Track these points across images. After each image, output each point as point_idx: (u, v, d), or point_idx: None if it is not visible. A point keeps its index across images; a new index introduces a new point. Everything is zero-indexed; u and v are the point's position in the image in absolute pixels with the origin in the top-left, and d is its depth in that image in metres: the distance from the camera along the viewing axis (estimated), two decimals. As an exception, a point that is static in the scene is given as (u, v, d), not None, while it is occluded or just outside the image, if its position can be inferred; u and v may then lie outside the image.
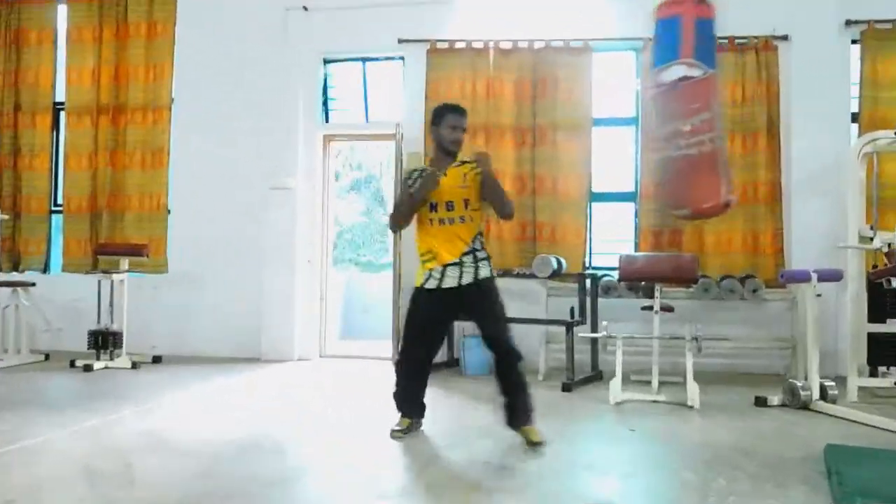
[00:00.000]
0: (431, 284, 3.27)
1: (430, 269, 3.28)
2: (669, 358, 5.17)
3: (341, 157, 12.09)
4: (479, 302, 3.27)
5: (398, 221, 3.41)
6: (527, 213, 5.82)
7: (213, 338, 6.20)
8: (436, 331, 3.45)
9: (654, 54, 3.00)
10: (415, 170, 3.43)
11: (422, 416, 3.52)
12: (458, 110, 3.36)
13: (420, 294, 3.32)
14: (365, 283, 9.19)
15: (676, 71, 2.96)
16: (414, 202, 3.29)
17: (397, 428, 3.44)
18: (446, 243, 3.27)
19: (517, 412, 3.28)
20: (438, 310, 3.32)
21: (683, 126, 2.91)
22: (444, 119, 3.32)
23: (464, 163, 3.37)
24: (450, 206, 3.27)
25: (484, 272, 3.28)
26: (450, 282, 3.24)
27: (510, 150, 5.85)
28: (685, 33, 2.98)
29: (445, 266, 3.25)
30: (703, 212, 3.10)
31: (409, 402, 3.48)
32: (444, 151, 3.36)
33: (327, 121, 6.50)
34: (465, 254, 3.27)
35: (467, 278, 3.25)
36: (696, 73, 2.96)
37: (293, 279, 6.12)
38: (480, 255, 3.31)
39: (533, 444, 3.20)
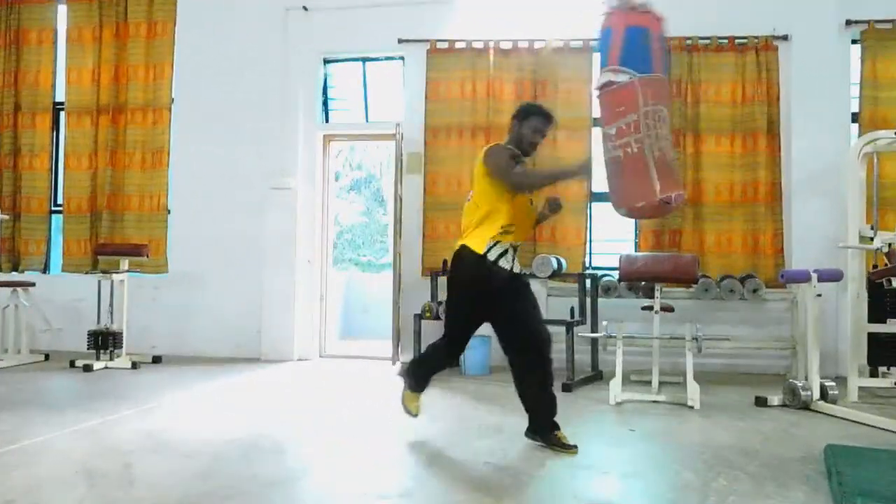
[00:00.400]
0: (516, 269, 3.22)
1: (508, 245, 3.17)
2: (669, 358, 5.18)
3: (341, 157, 12.10)
4: (525, 293, 3.25)
5: (526, 189, 3.26)
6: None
7: (213, 338, 6.21)
8: (482, 317, 3.31)
9: (600, 63, 3.20)
10: (509, 148, 3.30)
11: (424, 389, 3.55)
12: (548, 117, 3.30)
13: (489, 271, 3.13)
14: (365, 283, 9.19)
15: (605, 77, 3.11)
16: (553, 181, 3.38)
17: (416, 405, 3.47)
18: (523, 226, 3.28)
19: (551, 411, 3.25)
20: (495, 289, 3.16)
21: (611, 129, 3.04)
22: (531, 119, 3.26)
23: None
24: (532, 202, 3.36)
25: (521, 267, 3.33)
26: (507, 263, 3.18)
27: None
28: (613, 42, 3.15)
29: (511, 245, 3.19)
30: (637, 210, 3.21)
31: (427, 382, 3.48)
32: (520, 150, 3.29)
33: (327, 121, 6.50)
34: (518, 246, 3.29)
35: (517, 267, 3.25)
36: (621, 78, 3.10)
37: (293, 279, 6.12)
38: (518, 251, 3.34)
39: (571, 448, 3.15)
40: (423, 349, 5.46)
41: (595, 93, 3.28)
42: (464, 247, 3.18)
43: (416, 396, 3.48)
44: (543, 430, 3.25)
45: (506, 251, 3.16)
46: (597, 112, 5.76)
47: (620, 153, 3.07)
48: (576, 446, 3.17)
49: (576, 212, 5.77)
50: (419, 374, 3.47)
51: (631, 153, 3.06)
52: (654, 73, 3.14)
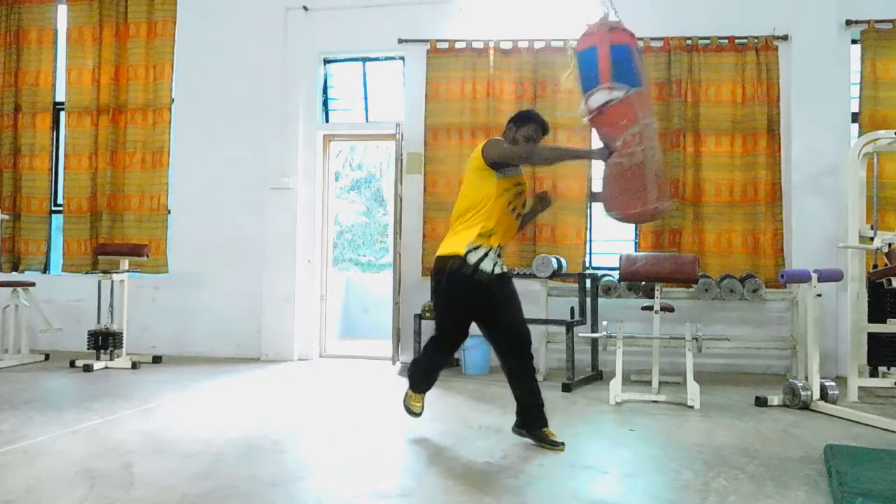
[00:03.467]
0: (499, 270, 3.23)
1: (489, 248, 3.19)
2: (669, 358, 5.19)
3: (341, 157, 12.09)
4: (506, 294, 3.26)
5: (552, 157, 3.43)
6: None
7: (213, 338, 6.21)
8: (469, 319, 3.35)
9: (581, 85, 3.25)
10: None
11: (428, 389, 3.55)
12: (543, 126, 3.34)
13: (484, 278, 3.17)
14: (365, 283, 9.20)
15: (599, 97, 3.18)
16: (574, 156, 3.56)
17: (418, 405, 3.48)
18: (504, 232, 3.27)
19: (538, 409, 3.27)
20: (493, 296, 3.22)
21: (617, 142, 3.13)
22: (527, 126, 3.29)
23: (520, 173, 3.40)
24: (519, 196, 3.30)
25: (504, 269, 3.31)
26: (487, 265, 3.20)
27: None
28: (601, 61, 3.24)
29: (490, 249, 3.21)
30: (630, 216, 3.31)
31: (429, 382, 3.48)
32: None
33: (327, 121, 6.50)
34: (502, 246, 3.31)
35: (498, 269, 3.24)
36: (618, 94, 3.19)
37: (293, 279, 6.12)
38: (501, 252, 3.34)
39: (558, 444, 3.20)
40: (421, 350, 5.51)
41: (584, 113, 3.32)
42: (446, 250, 3.25)
43: (418, 397, 3.49)
44: (532, 426, 3.28)
45: (486, 254, 3.19)
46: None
47: (625, 160, 3.15)
48: (563, 443, 3.20)
49: (576, 212, 5.77)
50: (418, 375, 3.48)
51: (634, 162, 3.14)
52: (641, 87, 3.24)
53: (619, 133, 3.18)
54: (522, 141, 3.27)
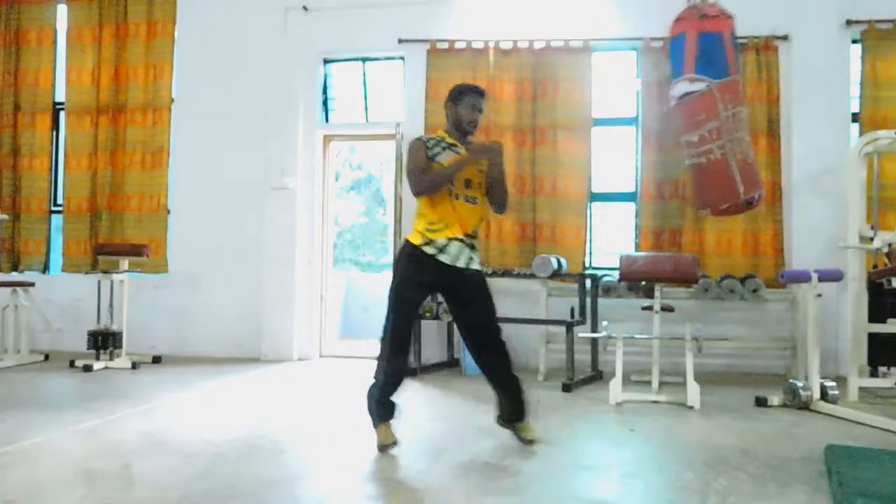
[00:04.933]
0: (430, 250, 3.10)
1: (432, 240, 3.11)
2: (670, 358, 5.18)
3: (341, 157, 12.09)
4: (472, 290, 3.19)
5: (431, 187, 3.11)
6: (527, 214, 5.82)
7: (212, 338, 6.20)
8: (416, 305, 3.25)
9: (671, 71, 3.21)
10: (431, 138, 3.26)
11: (394, 414, 3.22)
12: (479, 91, 3.26)
13: (415, 257, 3.11)
14: (365, 283, 9.19)
15: (680, 87, 3.15)
16: (459, 169, 3.11)
17: (388, 442, 3.14)
18: (460, 219, 3.16)
19: (516, 405, 3.26)
20: (426, 278, 3.12)
21: (692, 137, 3.09)
22: (464, 98, 3.22)
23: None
24: (468, 184, 3.19)
25: (476, 264, 3.20)
26: (447, 258, 3.11)
27: (510, 150, 5.84)
28: (688, 50, 3.22)
29: (451, 239, 3.12)
30: (723, 212, 3.27)
31: (386, 405, 3.19)
32: (460, 131, 3.26)
33: (327, 121, 6.50)
34: (470, 235, 3.18)
35: (461, 262, 3.13)
36: (698, 86, 3.15)
37: (293, 279, 6.12)
38: (476, 244, 3.23)
39: (529, 442, 3.22)
40: (421, 349, 5.51)
41: (672, 102, 3.28)
42: (404, 240, 3.22)
43: (384, 427, 3.18)
44: (510, 420, 3.29)
45: (444, 246, 3.10)
46: (597, 112, 5.87)
47: (704, 160, 3.13)
48: (533, 441, 3.21)
49: (576, 212, 5.77)
50: (375, 406, 3.21)
51: (714, 159, 3.11)
52: (730, 76, 3.17)
53: (695, 128, 3.14)
54: (468, 112, 3.19)
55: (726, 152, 3.09)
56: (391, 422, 3.20)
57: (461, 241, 3.15)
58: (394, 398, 3.21)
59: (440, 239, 3.12)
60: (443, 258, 3.11)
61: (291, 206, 6.14)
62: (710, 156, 3.09)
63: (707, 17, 3.21)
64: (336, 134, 6.50)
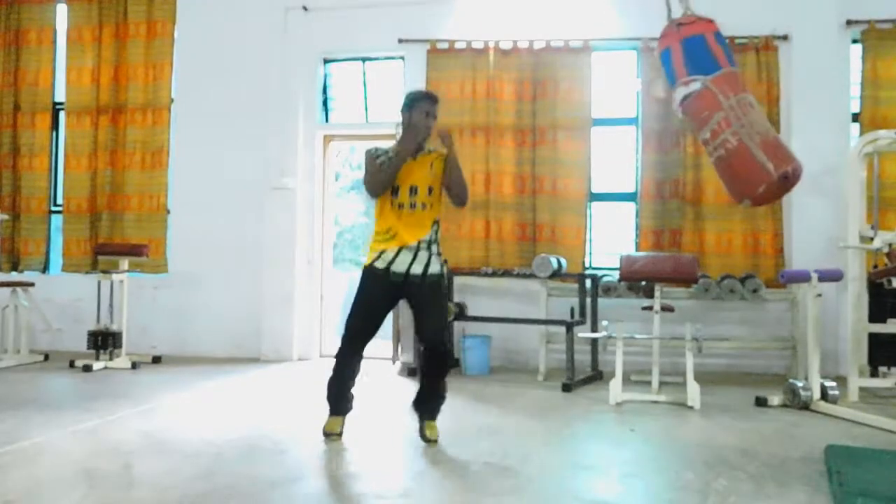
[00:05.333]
0: (380, 264, 3.25)
1: (384, 250, 3.26)
2: (670, 358, 5.18)
3: (341, 157, 12.09)
4: (423, 296, 3.26)
5: (378, 188, 3.24)
6: (527, 213, 5.82)
7: (212, 338, 6.20)
8: (377, 314, 3.35)
9: (670, 86, 3.32)
10: (380, 149, 3.36)
11: (350, 410, 3.44)
12: (431, 97, 3.35)
13: (369, 273, 3.28)
14: (365, 284, 9.17)
15: (679, 93, 3.24)
16: (399, 163, 3.21)
17: (332, 432, 3.35)
18: (407, 227, 3.26)
19: (430, 405, 3.38)
20: (381, 291, 3.27)
21: (705, 134, 3.16)
22: (417, 105, 3.30)
23: (430, 152, 3.37)
24: (413, 191, 3.27)
25: (434, 268, 3.27)
26: (399, 266, 3.23)
27: (510, 150, 5.85)
28: (675, 59, 3.36)
29: (401, 248, 3.24)
30: (762, 197, 3.27)
31: (342, 394, 3.39)
32: (417, 138, 3.32)
33: (327, 121, 6.50)
34: (423, 241, 3.26)
35: (417, 269, 3.23)
36: (694, 87, 3.24)
37: (293, 279, 6.12)
38: (434, 248, 3.30)
39: (429, 441, 3.29)
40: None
41: (679, 111, 3.36)
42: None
43: (333, 418, 3.39)
44: (421, 414, 3.38)
45: (394, 257, 3.23)
46: (597, 112, 5.87)
47: (723, 151, 3.16)
48: (433, 442, 3.28)
49: (576, 211, 5.76)
50: (329, 396, 3.42)
51: (732, 148, 3.14)
52: (722, 69, 3.23)
53: (705, 124, 3.21)
54: (421, 119, 3.26)
55: (742, 137, 3.11)
56: (343, 416, 3.40)
57: (410, 248, 3.24)
58: (349, 392, 3.39)
59: (389, 250, 3.25)
60: (393, 268, 3.23)
61: (291, 205, 6.14)
62: (727, 145, 3.13)
63: (683, 25, 3.31)
64: (336, 134, 6.50)
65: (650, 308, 4.52)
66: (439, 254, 3.33)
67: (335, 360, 3.39)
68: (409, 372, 5.33)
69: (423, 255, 3.25)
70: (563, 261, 5.31)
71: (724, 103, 3.16)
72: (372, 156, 3.31)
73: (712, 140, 3.16)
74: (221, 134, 6.28)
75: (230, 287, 6.21)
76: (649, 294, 4.74)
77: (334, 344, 6.63)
